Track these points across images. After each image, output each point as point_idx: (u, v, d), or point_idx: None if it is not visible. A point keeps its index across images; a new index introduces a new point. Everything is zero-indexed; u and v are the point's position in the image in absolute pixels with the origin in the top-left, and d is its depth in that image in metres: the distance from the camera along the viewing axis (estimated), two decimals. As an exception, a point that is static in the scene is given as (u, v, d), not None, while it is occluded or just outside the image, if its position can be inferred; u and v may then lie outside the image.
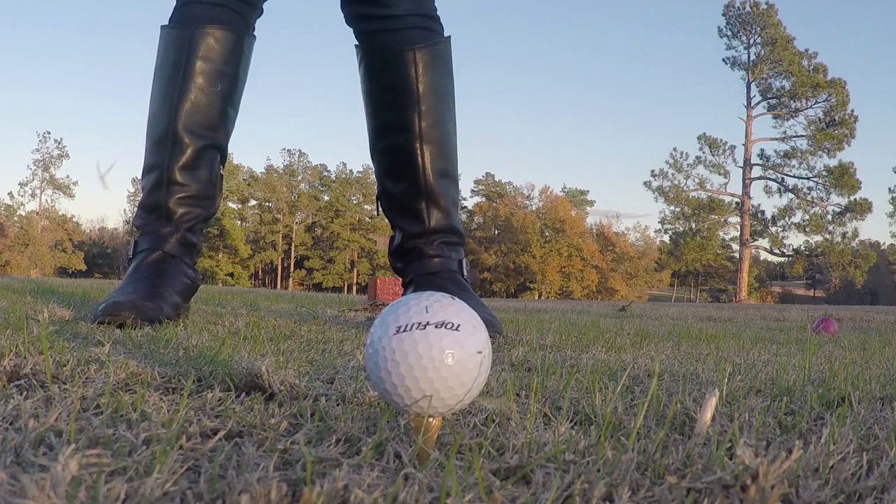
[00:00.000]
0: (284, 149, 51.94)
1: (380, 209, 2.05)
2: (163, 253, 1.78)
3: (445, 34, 1.97)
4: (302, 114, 71.96)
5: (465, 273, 1.95)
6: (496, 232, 49.24)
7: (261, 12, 1.96)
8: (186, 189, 1.83)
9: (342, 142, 70.80)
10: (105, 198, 76.44)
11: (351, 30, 1.99)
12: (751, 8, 36.48)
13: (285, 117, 71.40)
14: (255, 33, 1.96)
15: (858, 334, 3.23)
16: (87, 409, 0.71)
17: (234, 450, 0.59)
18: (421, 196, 1.93)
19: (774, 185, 38.51)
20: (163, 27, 1.88)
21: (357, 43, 1.98)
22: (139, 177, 1.92)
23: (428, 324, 0.59)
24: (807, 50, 36.71)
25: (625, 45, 77.33)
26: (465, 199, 51.59)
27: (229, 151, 1.99)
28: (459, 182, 2.08)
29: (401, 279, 2.02)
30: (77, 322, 1.58)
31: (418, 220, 1.94)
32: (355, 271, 48.29)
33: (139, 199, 1.90)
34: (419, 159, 1.90)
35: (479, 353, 0.61)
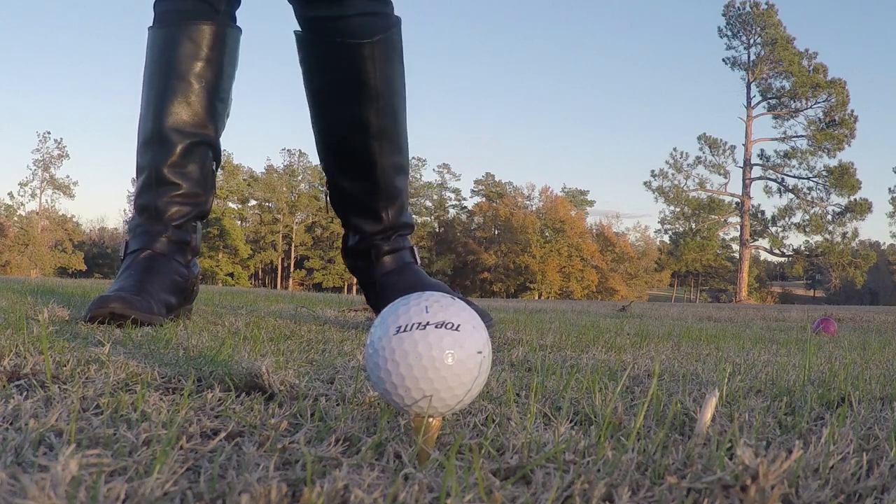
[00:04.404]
0: (284, 149, 51.98)
1: (329, 204, 1.97)
2: (152, 252, 1.77)
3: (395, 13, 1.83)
4: (302, 114, 71.68)
5: (416, 258, 1.93)
6: (496, 232, 49.21)
7: (238, 2, 1.90)
8: (176, 188, 1.81)
9: (342, 142, 70.58)
10: (105, 198, 76.50)
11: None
12: (751, 8, 36.48)
13: (285, 117, 71.42)
14: (238, 25, 1.89)
15: (858, 334, 3.23)
16: (87, 409, 0.71)
17: (234, 450, 0.59)
18: (379, 195, 1.86)
19: (774, 185, 38.53)
20: (148, 29, 1.86)
21: (300, 31, 1.84)
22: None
23: (428, 324, 0.59)
24: (807, 50, 36.72)
25: (625, 45, 77.41)
26: (465, 199, 51.65)
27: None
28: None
29: (358, 279, 1.95)
30: (77, 322, 1.58)
31: (376, 219, 1.87)
32: (355, 271, 48.21)
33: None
34: (377, 157, 1.81)
35: (479, 353, 0.61)
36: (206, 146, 1.86)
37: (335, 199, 1.94)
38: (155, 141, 1.80)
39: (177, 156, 1.80)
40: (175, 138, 1.79)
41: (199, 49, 1.80)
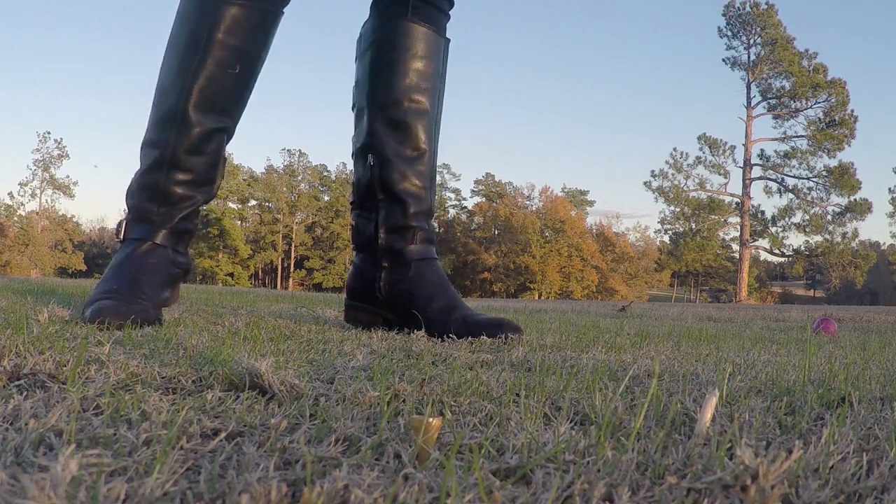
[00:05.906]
0: (284, 149, 51.98)
1: (361, 190, 1.97)
2: (152, 244, 1.72)
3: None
4: (302, 114, 71.97)
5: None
6: (496, 232, 49.20)
7: None
8: (188, 173, 1.75)
9: (342, 142, 70.87)
10: (105, 198, 76.44)
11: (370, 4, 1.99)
12: (751, 8, 36.49)
13: (285, 117, 71.41)
14: (283, 10, 1.81)
15: (858, 334, 3.23)
16: (87, 409, 0.71)
17: (234, 450, 0.59)
18: (426, 174, 1.95)
19: (774, 186, 38.55)
20: None
21: (389, 8, 1.93)
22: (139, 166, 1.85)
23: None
24: (807, 50, 36.75)
25: (625, 44, 77.39)
26: (465, 199, 51.65)
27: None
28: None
29: (386, 261, 1.92)
30: (77, 322, 1.58)
31: (420, 195, 1.94)
32: (355, 271, 48.17)
33: (136, 171, 1.80)
34: (429, 139, 1.94)
35: None
36: (223, 132, 1.80)
37: (381, 172, 1.92)
38: (177, 120, 1.72)
39: (195, 139, 1.74)
40: (197, 120, 1.73)
41: (241, 34, 1.72)
